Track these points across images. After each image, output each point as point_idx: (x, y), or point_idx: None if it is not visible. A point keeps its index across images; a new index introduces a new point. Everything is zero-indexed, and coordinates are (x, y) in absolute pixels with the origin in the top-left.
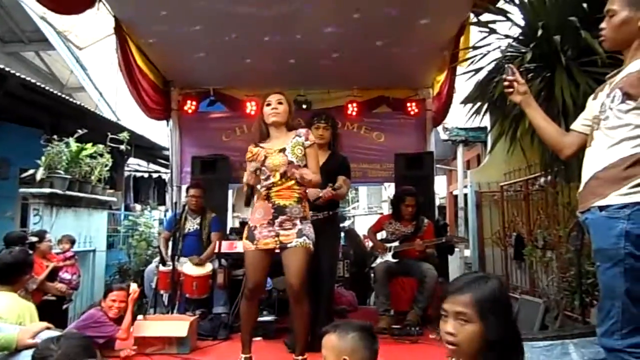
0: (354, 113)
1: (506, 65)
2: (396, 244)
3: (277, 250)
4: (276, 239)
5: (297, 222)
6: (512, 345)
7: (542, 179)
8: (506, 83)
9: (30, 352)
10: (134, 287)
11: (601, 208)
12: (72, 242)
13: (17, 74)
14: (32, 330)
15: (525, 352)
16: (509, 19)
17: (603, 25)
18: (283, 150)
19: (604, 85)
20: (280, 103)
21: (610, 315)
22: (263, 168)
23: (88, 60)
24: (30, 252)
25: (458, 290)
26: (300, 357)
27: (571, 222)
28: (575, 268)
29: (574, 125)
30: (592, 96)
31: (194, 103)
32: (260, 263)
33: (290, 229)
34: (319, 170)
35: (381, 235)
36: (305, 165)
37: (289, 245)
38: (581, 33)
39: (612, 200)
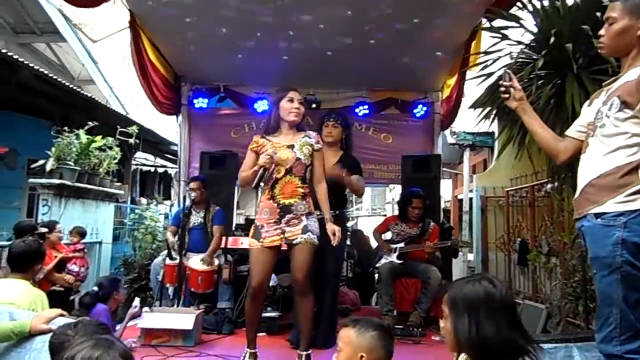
0: (363, 114)
1: (504, 71)
2: (401, 245)
3: (284, 248)
4: (282, 235)
5: (303, 218)
6: (495, 350)
7: (549, 186)
8: (502, 88)
9: (43, 337)
10: (136, 302)
11: (597, 215)
12: (82, 234)
13: (30, 65)
14: (46, 317)
15: None
16: (521, 26)
17: (602, 32)
18: (291, 146)
19: (599, 92)
20: (300, 103)
21: (609, 322)
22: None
23: (99, 53)
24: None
25: (446, 289)
26: (304, 352)
27: (576, 229)
28: (579, 274)
29: (569, 132)
30: (587, 102)
31: (204, 99)
32: (265, 261)
33: (296, 225)
34: (322, 173)
35: (385, 236)
36: (311, 164)
37: (294, 242)
38: (593, 42)
39: (608, 207)
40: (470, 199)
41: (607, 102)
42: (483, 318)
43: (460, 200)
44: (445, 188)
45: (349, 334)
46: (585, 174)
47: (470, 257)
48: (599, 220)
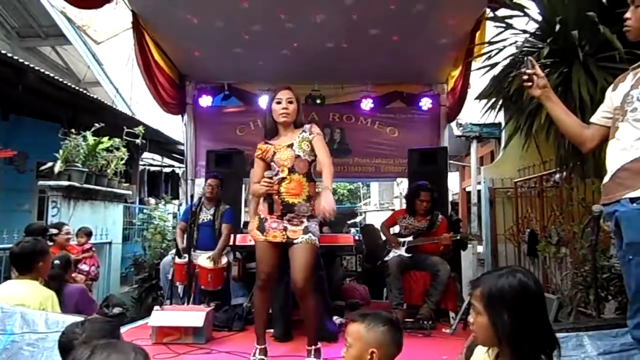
0: (368, 108)
1: (526, 58)
2: (410, 238)
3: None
4: (284, 233)
5: (304, 219)
6: (533, 342)
7: (557, 175)
8: (525, 77)
9: (55, 336)
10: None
11: (632, 200)
12: (89, 234)
13: (36, 68)
14: None
15: None
16: (526, 14)
17: (628, 15)
18: (291, 145)
19: (625, 76)
20: (290, 102)
21: None
22: (272, 164)
23: (103, 55)
24: (50, 243)
25: (476, 283)
26: (313, 347)
27: (586, 218)
28: (590, 263)
29: (594, 118)
30: (610, 87)
31: (208, 97)
32: (270, 254)
33: (297, 225)
34: (328, 156)
35: (393, 230)
36: (314, 159)
37: (295, 242)
38: (599, 28)
39: None
40: (479, 191)
41: (638, 86)
42: (522, 312)
43: (468, 193)
44: (453, 181)
45: (358, 330)
46: (617, 158)
47: (480, 249)
48: (635, 205)
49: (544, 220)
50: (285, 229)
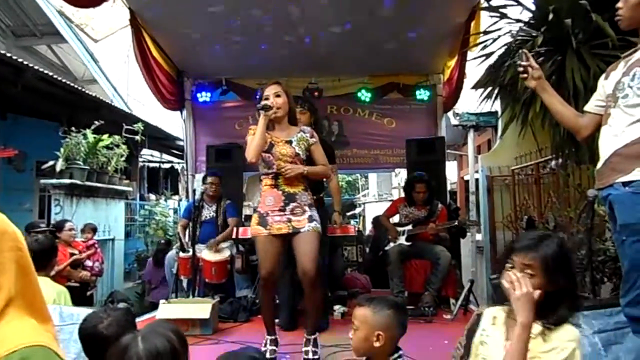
0: (365, 100)
1: (520, 51)
2: (409, 227)
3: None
4: (289, 224)
5: (307, 208)
6: (565, 292)
7: (553, 162)
8: (520, 69)
9: (70, 328)
10: None
11: (625, 184)
12: (94, 230)
13: (35, 67)
14: None
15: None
16: (519, 3)
17: (619, 5)
18: (289, 142)
19: (616, 64)
20: (277, 96)
21: (637, 286)
22: (269, 155)
23: (101, 52)
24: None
25: (528, 246)
26: (312, 337)
27: (581, 203)
28: (586, 247)
29: (588, 107)
30: (603, 76)
31: (207, 93)
32: (274, 249)
33: (301, 214)
34: (327, 161)
35: (394, 219)
36: (308, 158)
37: (301, 230)
38: (592, 16)
39: (637, 175)
40: (476, 179)
41: (629, 73)
42: (566, 270)
43: (467, 182)
44: (451, 170)
45: (364, 313)
46: (609, 144)
47: (479, 237)
48: (627, 188)
49: (541, 206)
50: (289, 220)
